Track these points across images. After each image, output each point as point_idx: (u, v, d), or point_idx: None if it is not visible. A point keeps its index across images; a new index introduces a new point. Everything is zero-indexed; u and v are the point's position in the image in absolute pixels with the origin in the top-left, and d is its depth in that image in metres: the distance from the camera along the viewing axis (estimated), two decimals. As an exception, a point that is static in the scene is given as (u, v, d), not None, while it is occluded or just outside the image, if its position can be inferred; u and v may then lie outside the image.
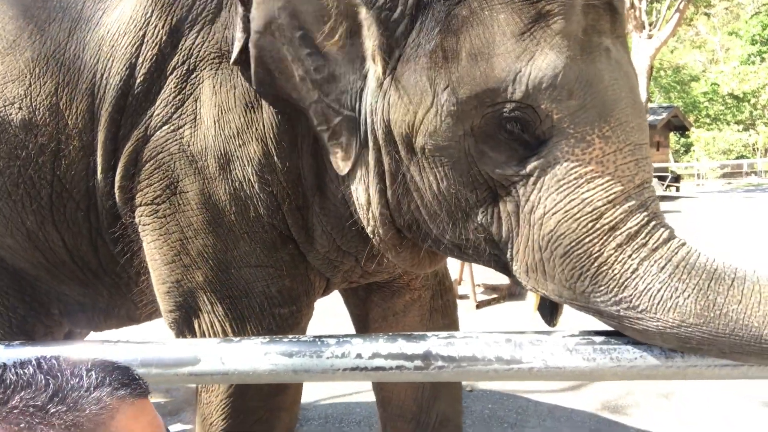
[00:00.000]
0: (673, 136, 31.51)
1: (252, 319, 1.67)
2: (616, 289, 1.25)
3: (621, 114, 1.28)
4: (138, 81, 1.60)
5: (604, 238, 1.26)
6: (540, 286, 1.37)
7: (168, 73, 1.58)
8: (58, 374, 0.62)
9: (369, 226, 1.54)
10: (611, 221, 1.26)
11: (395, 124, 1.39)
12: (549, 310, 1.51)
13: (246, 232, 1.62)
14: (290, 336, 1.48)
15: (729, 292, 1.21)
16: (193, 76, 1.57)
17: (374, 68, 1.40)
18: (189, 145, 1.59)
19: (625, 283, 1.25)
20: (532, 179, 1.29)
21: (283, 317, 1.70)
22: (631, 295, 1.24)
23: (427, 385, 2.25)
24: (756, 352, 1.19)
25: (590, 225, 1.26)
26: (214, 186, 1.59)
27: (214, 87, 1.55)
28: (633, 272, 1.24)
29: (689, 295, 1.21)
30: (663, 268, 1.24)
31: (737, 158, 31.58)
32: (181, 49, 1.58)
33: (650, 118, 18.92)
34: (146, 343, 1.50)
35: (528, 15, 1.25)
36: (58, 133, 1.68)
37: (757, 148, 32.97)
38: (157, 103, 1.59)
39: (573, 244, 1.27)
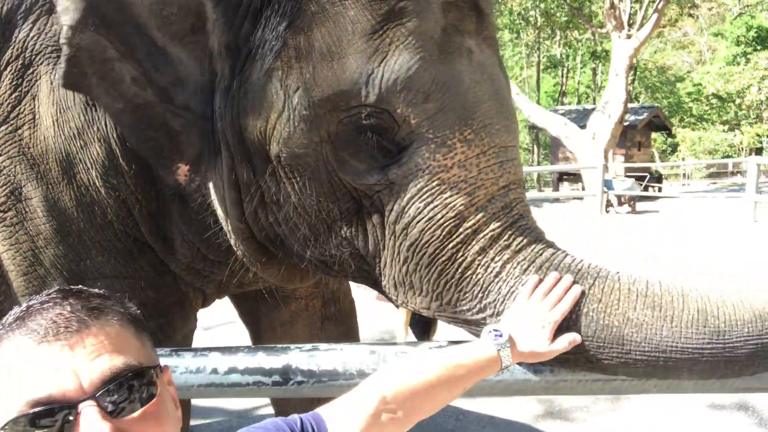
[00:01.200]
0: (659, 137, 31.61)
1: None
2: (480, 295, 1.19)
3: (484, 116, 1.21)
4: None
5: (467, 242, 1.19)
6: (409, 300, 1.29)
7: (2, 68, 1.46)
8: None
9: (231, 239, 1.44)
10: (473, 224, 1.19)
11: (246, 129, 1.29)
12: (421, 327, 1.43)
13: (97, 241, 1.50)
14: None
15: (590, 291, 1.14)
16: (30, 71, 1.45)
17: (221, 68, 1.29)
18: (29, 148, 1.47)
19: (489, 287, 1.18)
20: (395, 188, 1.21)
21: (151, 331, 1.59)
22: (494, 300, 1.18)
23: None
24: (620, 360, 1.11)
25: (452, 230, 1.19)
26: (58, 191, 1.47)
27: (52, 83, 1.43)
28: (496, 275, 1.18)
29: None
30: (526, 270, 1.17)
31: (722, 158, 31.74)
32: (15, 41, 1.46)
33: (631, 118, 18.83)
34: None
35: (380, 12, 1.17)
36: None
37: (742, 148, 33.13)
38: None
39: (437, 251, 1.20)
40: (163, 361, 1.28)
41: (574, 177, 19.50)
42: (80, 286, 0.75)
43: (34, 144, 1.47)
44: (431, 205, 1.19)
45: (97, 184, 1.47)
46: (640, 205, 14.01)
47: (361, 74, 1.16)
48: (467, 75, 1.21)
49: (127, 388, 0.67)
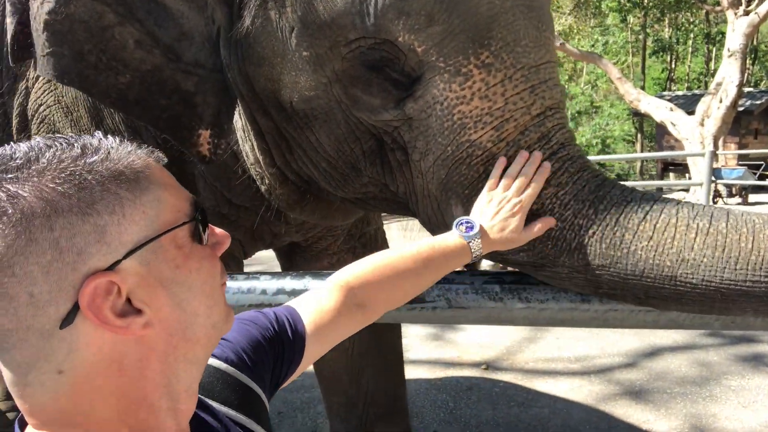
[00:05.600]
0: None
1: None
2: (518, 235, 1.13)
3: (505, 32, 1.07)
4: None
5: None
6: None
7: None
8: (77, 139, 0.57)
9: (264, 185, 1.44)
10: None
11: (254, 78, 1.23)
12: None
13: None
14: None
15: (639, 227, 1.05)
16: None
17: (219, 15, 1.22)
18: (63, 96, 1.60)
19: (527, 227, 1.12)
20: (414, 123, 1.13)
21: None
22: (535, 239, 1.11)
23: (354, 353, 2.16)
24: (673, 297, 1.03)
25: (483, 169, 1.11)
26: None
27: None
28: (534, 215, 1.11)
29: (594, 233, 1.07)
30: (567, 205, 1.09)
31: None
32: None
33: (747, 103, 17.28)
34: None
35: None
36: None
37: None
38: None
39: (468, 192, 1.13)
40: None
41: (682, 168, 18.23)
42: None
43: (66, 92, 1.58)
44: (455, 143, 1.10)
45: (121, 129, 1.55)
46: (753, 197, 12.88)
47: (353, 3, 1.06)
48: None
49: None
